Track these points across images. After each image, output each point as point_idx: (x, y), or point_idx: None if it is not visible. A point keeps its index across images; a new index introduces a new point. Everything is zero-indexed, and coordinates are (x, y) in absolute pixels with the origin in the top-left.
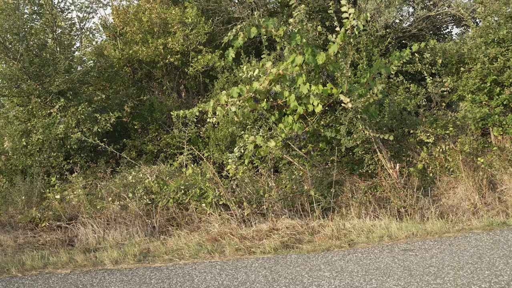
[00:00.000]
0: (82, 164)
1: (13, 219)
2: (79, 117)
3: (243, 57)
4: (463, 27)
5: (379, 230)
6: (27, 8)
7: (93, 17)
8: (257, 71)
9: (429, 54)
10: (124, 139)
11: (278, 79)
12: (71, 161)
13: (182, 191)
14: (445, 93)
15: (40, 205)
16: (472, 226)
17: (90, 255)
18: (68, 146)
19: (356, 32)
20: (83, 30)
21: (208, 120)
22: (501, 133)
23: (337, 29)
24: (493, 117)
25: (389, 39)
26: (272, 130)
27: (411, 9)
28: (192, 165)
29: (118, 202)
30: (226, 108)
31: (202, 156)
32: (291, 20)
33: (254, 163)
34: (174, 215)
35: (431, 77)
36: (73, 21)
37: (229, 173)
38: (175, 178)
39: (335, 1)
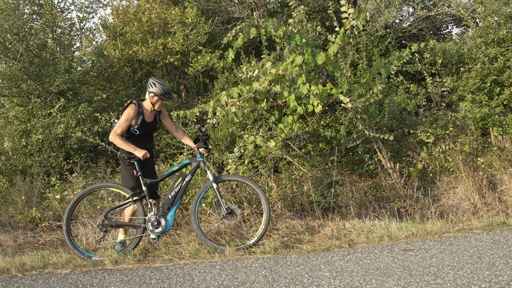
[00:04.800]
0: (82, 164)
1: (13, 219)
2: (79, 117)
3: (243, 57)
4: (463, 27)
5: (379, 230)
6: (27, 8)
7: (93, 17)
8: (257, 71)
9: (429, 54)
10: None
11: (278, 79)
12: (71, 161)
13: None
14: (445, 93)
15: (40, 205)
16: (472, 226)
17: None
18: (68, 146)
19: (356, 32)
20: (83, 30)
21: (208, 120)
22: (501, 133)
23: (337, 29)
24: (493, 117)
25: (389, 39)
26: (272, 130)
27: (411, 9)
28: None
29: (118, 202)
30: (226, 108)
31: None
32: (290, 20)
33: (254, 163)
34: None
35: (431, 77)
36: (73, 21)
37: (229, 173)
38: (174, 178)
39: (335, 1)
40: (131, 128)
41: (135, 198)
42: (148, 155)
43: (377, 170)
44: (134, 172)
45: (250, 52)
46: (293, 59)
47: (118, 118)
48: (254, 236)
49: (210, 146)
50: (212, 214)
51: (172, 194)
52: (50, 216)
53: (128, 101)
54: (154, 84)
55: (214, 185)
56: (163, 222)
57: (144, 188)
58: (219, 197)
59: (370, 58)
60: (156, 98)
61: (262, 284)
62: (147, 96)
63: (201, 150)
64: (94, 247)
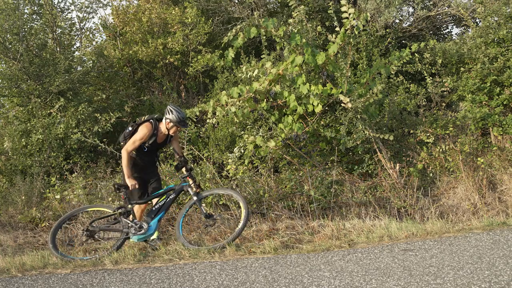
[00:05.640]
0: (82, 164)
1: (13, 219)
2: (79, 117)
3: (243, 57)
4: (463, 27)
5: (379, 230)
6: (27, 8)
7: (93, 17)
8: (256, 71)
9: (429, 54)
10: None
11: (278, 79)
12: (71, 161)
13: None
14: (445, 93)
15: (40, 205)
16: (472, 226)
17: (90, 255)
18: (68, 146)
19: (356, 32)
20: (83, 30)
21: (208, 120)
22: (501, 133)
23: (337, 29)
24: (493, 117)
25: (389, 39)
26: (272, 130)
27: (411, 9)
28: (192, 165)
29: (118, 202)
30: (226, 108)
31: (202, 156)
32: (290, 20)
33: (254, 163)
34: (174, 215)
35: (431, 77)
36: (73, 21)
37: (229, 173)
38: (175, 178)
39: (335, 1)
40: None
41: (120, 211)
42: (137, 187)
43: (377, 170)
44: (122, 195)
45: (250, 52)
46: (293, 59)
47: (132, 127)
48: (239, 224)
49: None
50: (212, 214)
51: (156, 206)
52: (50, 216)
53: (147, 117)
54: (171, 111)
55: (195, 197)
56: (145, 226)
57: (129, 206)
58: (201, 210)
59: (370, 58)
60: (171, 124)
61: (262, 284)
62: (164, 120)
63: (188, 179)
64: (94, 247)
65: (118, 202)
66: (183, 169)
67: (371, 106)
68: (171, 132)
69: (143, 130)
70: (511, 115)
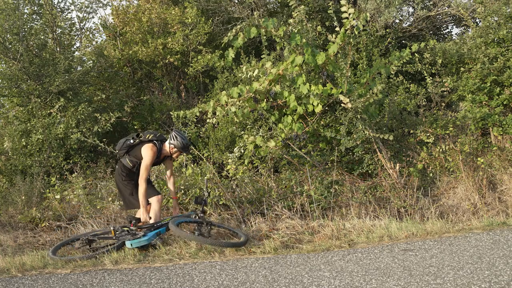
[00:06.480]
0: (82, 164)
1: (13, 219)
2: (79, 117)
3: (243, 57)
4: (463, 27)
5: (379, 230)
6: (27, 8)
7: (93, 17)
8: (256, 71)
9: (429, 54)
10: None
11: (278, 79)
12: (71, 161)
13: (182, 191)
14: (445, 93)
15: (40, 205)
16: (472, 226)
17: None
18: (68, 146)
19: (356, 32)
20: (83, 30)
21: (208, 120)
22: (501, 133)
23: (337, 29)
24: (493, 117)
25: (389, 39)
26: (272, 130)
27: (411, 9)
28: (192, 165)
29: (118, 202)
30: (226, 108)
31: (202, 156)
32: (290, 20)
33: (254, 163)
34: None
35: (431, 77)
36: (73, 21)
37: (229, 173)
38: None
39: (335, 1)
40: (138, 162)
41: (114, 228)
42: (150, 221)
43: (377, 170)
44: (131, 223)
45: (250, 52)
46: (293, 59)
47: (133, 139)
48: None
49: (206, 209)
50: (212, 214)
51: (157, 224)
52: (50, 216)
53: (151, 136)
54: (176, 137)
55: (201, 214)
56: (141, 233)
57: (133, 228)
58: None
59: (370, 58)
60: (175, 149)
61: (262, 284)
62: (167, 143)
63: (197, 211)
64: (94, 247)
65: (119, 225)
66: (198, 207)
67: (371, 106)
68: (173, 156)
69: (149, 154)
70: (511, 115)
